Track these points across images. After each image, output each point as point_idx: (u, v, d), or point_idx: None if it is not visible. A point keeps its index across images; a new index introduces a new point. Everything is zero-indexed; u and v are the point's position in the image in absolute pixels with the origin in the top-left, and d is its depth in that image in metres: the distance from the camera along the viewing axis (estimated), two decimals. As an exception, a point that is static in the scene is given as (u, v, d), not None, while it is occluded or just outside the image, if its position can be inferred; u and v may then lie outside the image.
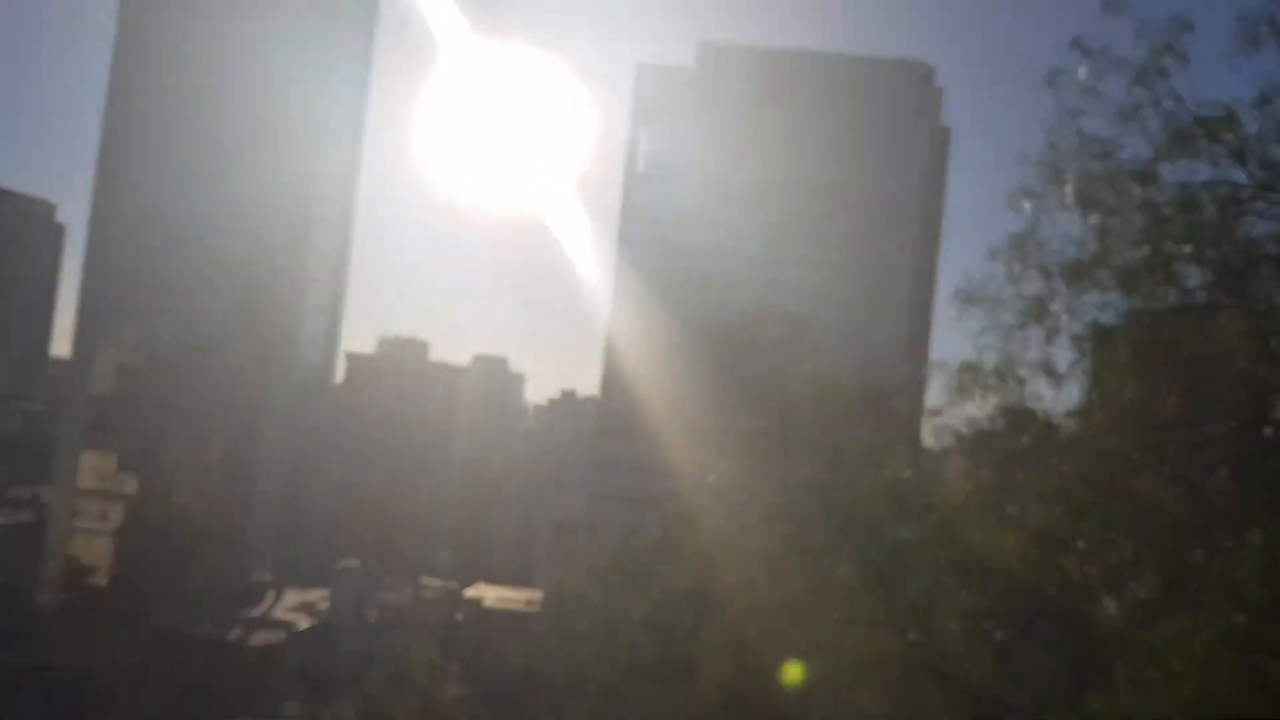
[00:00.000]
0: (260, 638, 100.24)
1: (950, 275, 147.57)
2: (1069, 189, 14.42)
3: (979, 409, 15.04)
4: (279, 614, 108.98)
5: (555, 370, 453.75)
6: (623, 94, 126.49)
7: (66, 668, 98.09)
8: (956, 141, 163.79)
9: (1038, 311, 14.38)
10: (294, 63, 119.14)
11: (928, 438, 17.84)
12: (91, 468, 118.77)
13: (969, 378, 14.71)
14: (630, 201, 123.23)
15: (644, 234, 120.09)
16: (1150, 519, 13.43)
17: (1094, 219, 14.46)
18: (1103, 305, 14.40)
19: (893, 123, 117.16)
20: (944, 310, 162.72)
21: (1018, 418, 14.59)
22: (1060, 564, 13.78)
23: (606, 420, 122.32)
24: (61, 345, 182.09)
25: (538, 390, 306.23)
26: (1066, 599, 13.92)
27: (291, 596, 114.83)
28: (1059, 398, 14.76)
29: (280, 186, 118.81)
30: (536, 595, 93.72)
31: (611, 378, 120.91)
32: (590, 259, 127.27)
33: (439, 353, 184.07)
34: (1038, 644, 14.52)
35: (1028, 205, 14.50)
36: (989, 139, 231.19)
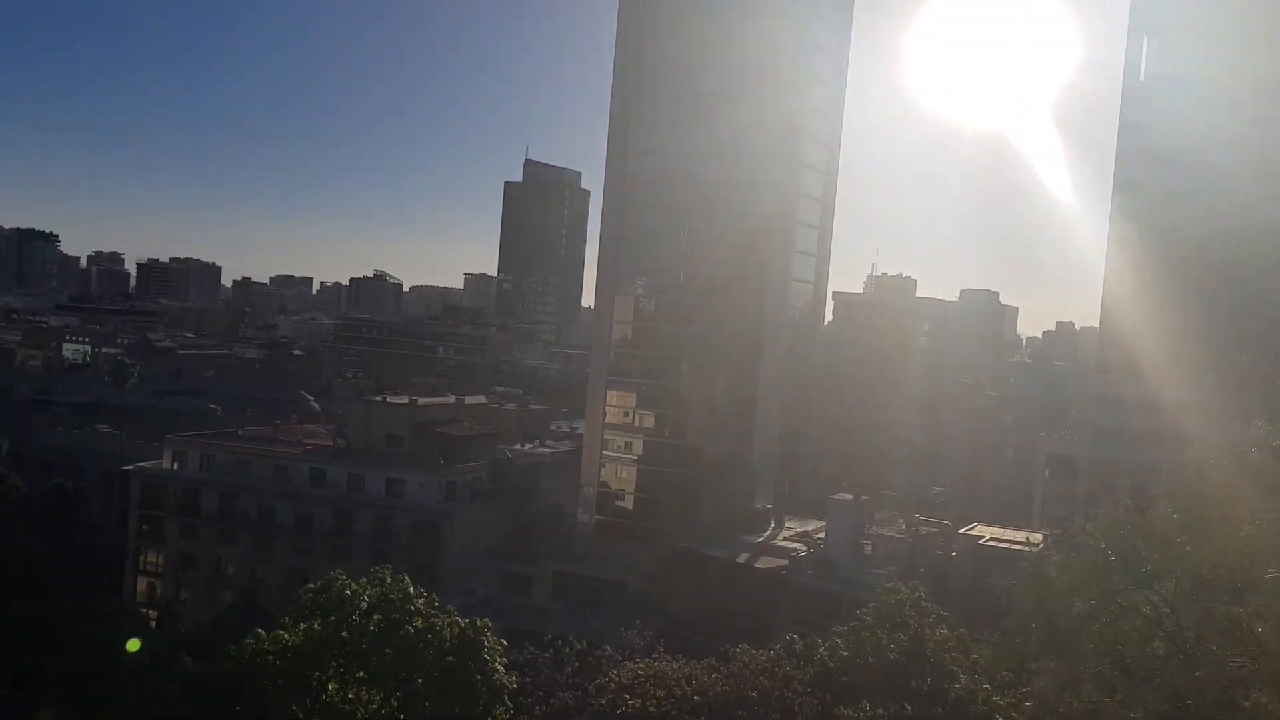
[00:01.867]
0: (765, 562, 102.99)
1: None
2: None
3: None
4: (779, 541, 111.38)
5: (1048, 303, 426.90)
6: (1119, 3, 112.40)
7: (602, 578, 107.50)
8: None
9: None
10: (781, 11, 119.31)
11: None
12: (616, 404, 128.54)
13: None
14: (1128, 118, 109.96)
15: (1144, 151, 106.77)
16: None
17: None
18: None
19: None
20: None
21: None
22: None
23: (1107, 352, 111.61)
24: (590, 297, 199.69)
25: (1030, 323, 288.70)
26: None
27: (790, 525, 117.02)
28: None
29: (771, 134, 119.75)
30: (1035, 536, 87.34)
31: (1111, 307, 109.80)
32: (1085, 184, 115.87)
33: (927, 289, 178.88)
34: None
35: None
36: None
